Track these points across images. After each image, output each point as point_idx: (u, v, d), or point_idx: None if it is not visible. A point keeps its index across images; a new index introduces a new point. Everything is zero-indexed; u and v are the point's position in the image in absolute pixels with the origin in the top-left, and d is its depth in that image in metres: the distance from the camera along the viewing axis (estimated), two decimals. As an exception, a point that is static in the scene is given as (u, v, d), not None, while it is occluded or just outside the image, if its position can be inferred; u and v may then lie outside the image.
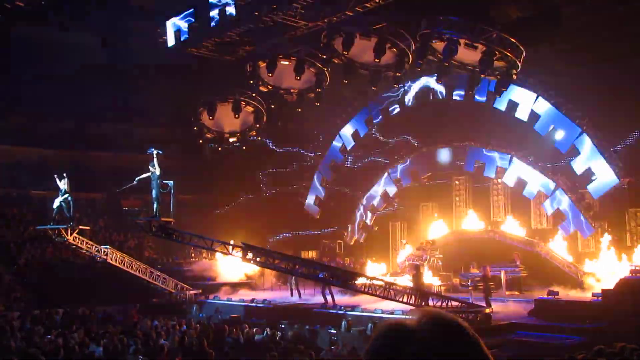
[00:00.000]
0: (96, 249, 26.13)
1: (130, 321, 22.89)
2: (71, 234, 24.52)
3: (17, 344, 16.50)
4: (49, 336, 17.93)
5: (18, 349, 15.47)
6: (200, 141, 26.94)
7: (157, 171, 21.01)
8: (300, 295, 26.73)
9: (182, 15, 25.43)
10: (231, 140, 28.19)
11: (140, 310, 25.73)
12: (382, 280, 20.60)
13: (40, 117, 37.25)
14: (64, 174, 24.79)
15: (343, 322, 19.66)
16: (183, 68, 31.12)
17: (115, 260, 26.56)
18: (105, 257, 26.22)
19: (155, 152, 21.13)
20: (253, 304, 25.11)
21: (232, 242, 21.92)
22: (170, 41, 25.88)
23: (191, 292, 28.37)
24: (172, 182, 21.16)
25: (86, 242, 25.77)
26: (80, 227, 25.17)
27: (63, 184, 24.18)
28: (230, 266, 29.48)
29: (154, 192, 20.89)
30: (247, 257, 21.09)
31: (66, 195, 24.19)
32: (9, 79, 33.61)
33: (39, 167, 36.40)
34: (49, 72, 34.62)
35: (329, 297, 23.64)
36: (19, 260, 30.79)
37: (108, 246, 27.17)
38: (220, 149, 28.49)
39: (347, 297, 24.11)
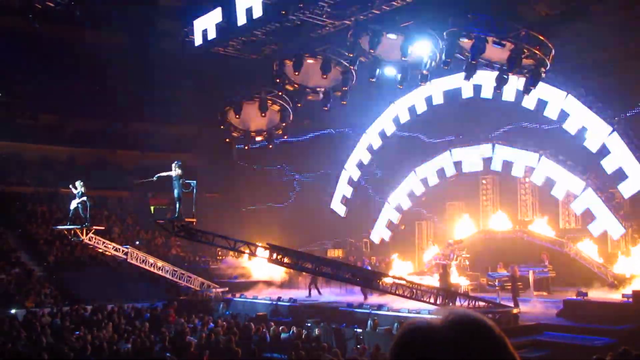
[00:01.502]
0: (114, 248, 26.31)
1: (163, 318, 23.12)
2: (86, 234, 24.76)
3: (47, 340, 16.75)
4: (77, 332, 18.17)
5: (48, 345, 15.70)
6: (227, 140, 27.03)
7: (178, 172, 20.85)
8: (319, 293, 26.74)
9: (209, 15, 25.59)
10: (258, 139, 28.30)
11: (167, 307, 25.96)
12: (406, 280, 20.48)
13: (69, 117, 37.76)
14: (78, 179, 25.03)
15: (369, 322, 19.61)
16: (210, 67, 31.34)
17: (137, 259, 26.72)
18: (125, 257, 26.40)
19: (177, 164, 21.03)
20: (279, 303, 25.18)
21: (259, 243, 21.80)
22: (198, 40, 26.07)
23: (218, 290, 28.53)
24: (194, 181, 20.91)
25: (104, 242, 25.99)
26: (95, 227, 25.27)
27: (79, 186, 24.47)
28: (257, 265, 29.58)
29: (175, 191, 20.70)
30: (273, 257, 20.99)
31: (83, 198, 24.44)
32: (39, 79, 34.11)
33: (67, 166, 36.93)
34: (78, 72, 35.09)
35: (314, 292, 24.32)
36: (49, 257, 31.27)
37: (128, 246, 27.34)
38: (247, 147, 28.61)
39: (374, 297, 24.07)
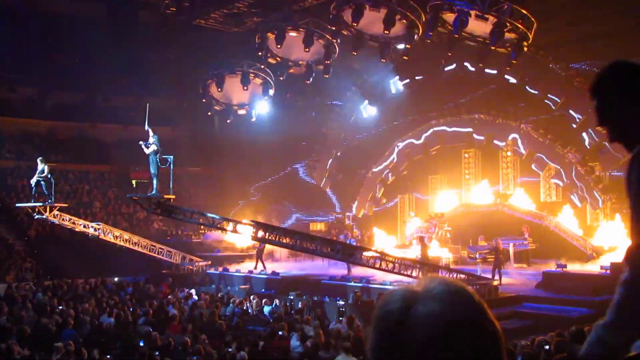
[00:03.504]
0: (84, 225, 26.13)
1: (146, 292, 23.13)
2: (50, 212, 24.59)
3: (29, 314, 16.72)
4: (60, 307, 18.14)
5: (30, 320, 15.68)
6: (209, 113, 26.93)
7: (155, 147, 20.31)
8: (264, 268, 26.67)
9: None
10: (240, 112, 28.24)
11: (149, 281, 25.98)
12: (384, 254, 20.63)
13: (48, 90, 37.25)
14: (41, 157, 24.77)
15: (351, 295, 19.76)
16: (191, 40, 30.99)
17: (110, 236, 26.55)
18: (96, 234, 26.21)
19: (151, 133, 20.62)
20: (261, 276, 25.27)
21: (245, 220, 21.52)
22: (178, 12, 25.76)
23: (200, 264, 28.54)
24: (171, 156, 20.50)
25: (71, 219, 25.80)
26: (58, 204, 24.99)
27: (40, 163, 24.22)
28: (240, 238, 29.57)
29: (152, 167, 20.17)
30: (257, 235, 20.72)
31: (45, 174, 24.15)
32: (18, 52, 33.58)
33: (48, 139, 36.53)
34: (57, 45, 34.55)
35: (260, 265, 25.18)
36: (29, 231, 31.05)
37: (100, 223, 26.96)
38: (228, 121, 28.55)
39: (357, 270, 24.18)
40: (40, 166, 24.26)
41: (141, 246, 27.38)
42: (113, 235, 26.64)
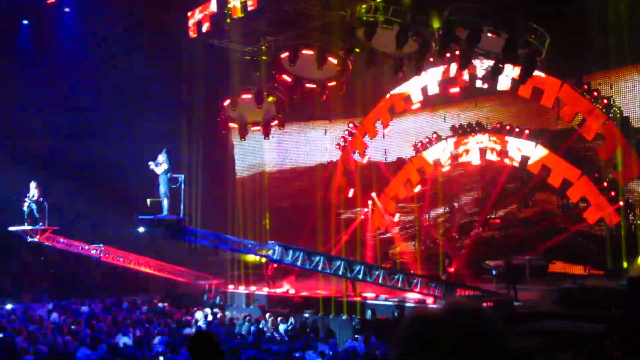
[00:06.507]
0: (81, 247, 26.18)
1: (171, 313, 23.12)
2: (42, 235, 24.74)
3: (45, 333, 16.79)
4: (73, 327, 18.20)
5: (46, 339, 15.74)
6: (224, 132, 27.05)
7: (165, 167, 19.52)
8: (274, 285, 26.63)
9: (203, 6, 25.48)
10: (254, 130, 28.39)
11: (162, 300, 26.04)
12: (403, 272, 20.56)
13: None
14: (35, 180, 24.92)
15: (368, 312, 19.71)
16: (205, 59, 31.18)
17: (113, 257, 26.58)
18: (99, 255, 26.25)
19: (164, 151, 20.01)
20: (277, 294, 25.25)
21: (270, 242, 21.02)
22: (193, 33, 25.97)
23: (215, 282, 28.54)
24: (182, 175, 19.75)
25: (68, 242, 25.91)
26: (50, 227, 25.04)
27: (33, 188, 24.41)
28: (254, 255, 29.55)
29: (162, 187, 19.28)
30: (285, 258, 20.14)
31: (38, 199, 24.34)
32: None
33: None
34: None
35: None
36: (47, 251, 31.23)
37: (102, 244, 26.82)
38: (243, 139, 28.71)
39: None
40: (32, 191, 24.45)
41: (149, 267, 27.31)
42: (115, 257, 26.63)
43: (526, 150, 26.47)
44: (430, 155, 29.70)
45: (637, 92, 24.99)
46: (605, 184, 24.85)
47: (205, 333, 5.54)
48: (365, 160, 32.11)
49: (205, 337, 5.12)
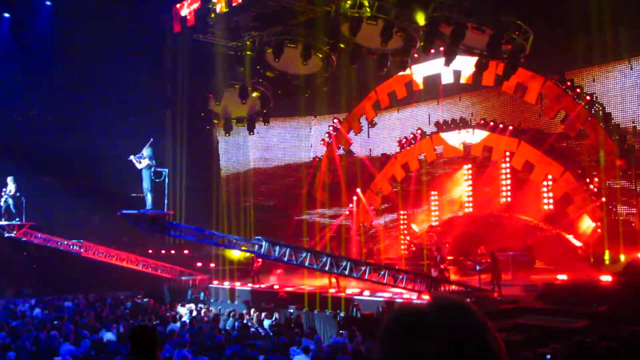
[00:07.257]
0: (60, 243, 26.11)
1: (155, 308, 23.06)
2: (19, 230, 24.66)
3: (28, 329, 16.67)
4: (56, 322, 18.10)
5: (29, 335, 15.63)
6: (208, 127, 26.97)
7: (147, 162, 18.87)
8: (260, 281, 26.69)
9: (188, 1, 25.37)
10: (238, 125, 28.33)
11: (147, 295, 25.94)
12: (391, 268, 20.57)
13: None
14: (12, 175, 24.83)
15: (352, 307, 19.73)
16: (190, 54, 31.03)
17: (94, 252, 26.47)
18: (79, 251, 26.16)
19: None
20: (261, 289, 25.23)
21: (257, 237, 20.27)
22: (177, 27, 25.85)
23: (199, 278, 28.50)
24: (166, 169, 19.28)
25: (46, 237, 25.84)
26: (27, 222, 24.97)
27: (10, 183, 24.37)
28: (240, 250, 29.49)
29: (145, 182, 18.80)
30: (270, 252, 19.85)
31: (15, 194, 24.30)
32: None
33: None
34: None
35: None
36: (29, 246, 31.02)
37: (82, 240, 26.80)
38: (228, 135, 28.64)
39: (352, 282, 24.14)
40: (9, 186, 24.36)
41: (131, 262, 27.21)
42: (96, 252, 26.53)
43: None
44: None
45: (619, 89, 25.16)
46: (588, 180, 25.07)
47: (144, 327, 5.61)
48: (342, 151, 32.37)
49: (144, 331, 5.24)
